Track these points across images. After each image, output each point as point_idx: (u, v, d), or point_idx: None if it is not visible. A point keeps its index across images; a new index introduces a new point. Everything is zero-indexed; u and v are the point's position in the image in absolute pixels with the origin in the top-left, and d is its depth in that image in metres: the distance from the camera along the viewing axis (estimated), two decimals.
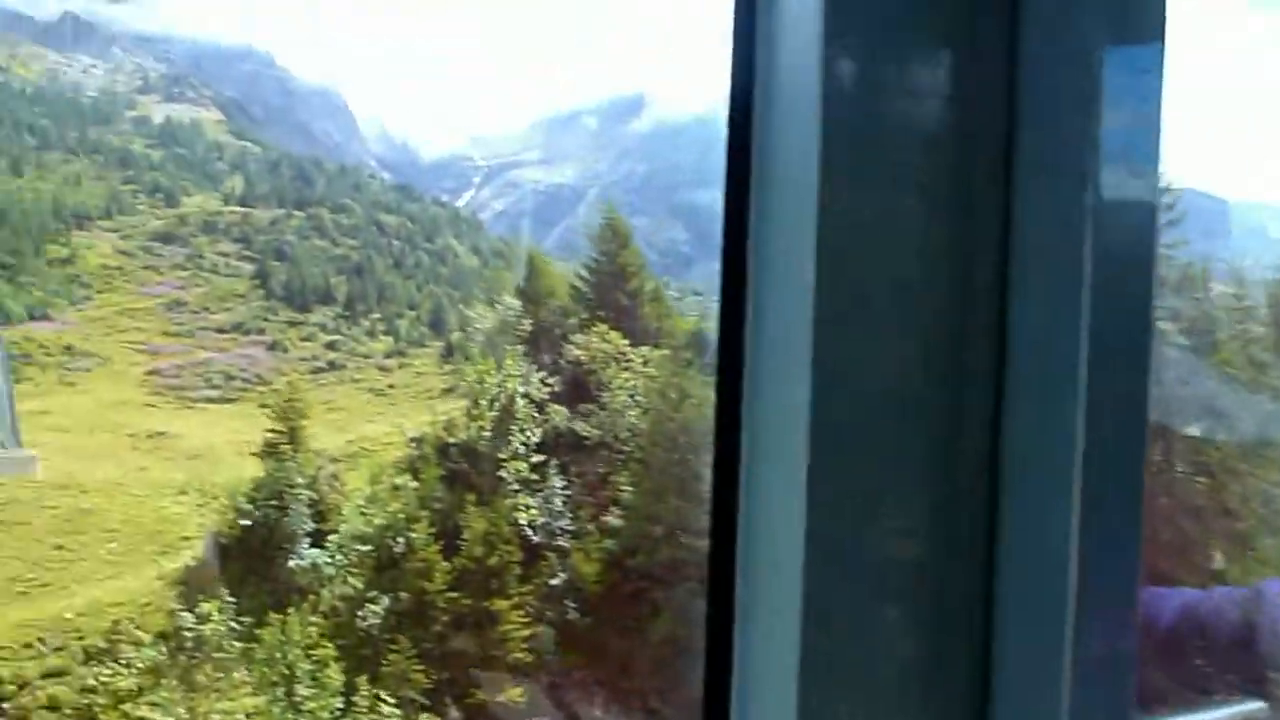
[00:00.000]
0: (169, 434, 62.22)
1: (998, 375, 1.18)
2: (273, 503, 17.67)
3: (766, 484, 1.23)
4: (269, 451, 19.67)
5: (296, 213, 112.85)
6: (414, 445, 21.87)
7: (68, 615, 17.01)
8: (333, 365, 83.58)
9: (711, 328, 25.62)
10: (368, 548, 16.85)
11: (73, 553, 19.20)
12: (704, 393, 19.30)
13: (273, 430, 20.71)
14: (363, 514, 17.51)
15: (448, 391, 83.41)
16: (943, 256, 1.16)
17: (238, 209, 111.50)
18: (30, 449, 55.21)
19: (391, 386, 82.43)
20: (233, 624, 15.90)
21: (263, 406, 76.75)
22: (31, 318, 79.50)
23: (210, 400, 73.33)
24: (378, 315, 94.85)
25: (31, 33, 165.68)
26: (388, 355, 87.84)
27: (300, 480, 18.04)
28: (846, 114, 1.11)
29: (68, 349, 75.44)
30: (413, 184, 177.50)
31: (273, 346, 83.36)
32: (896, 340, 1.17)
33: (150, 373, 74.52)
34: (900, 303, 1.17)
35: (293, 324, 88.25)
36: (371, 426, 33.70)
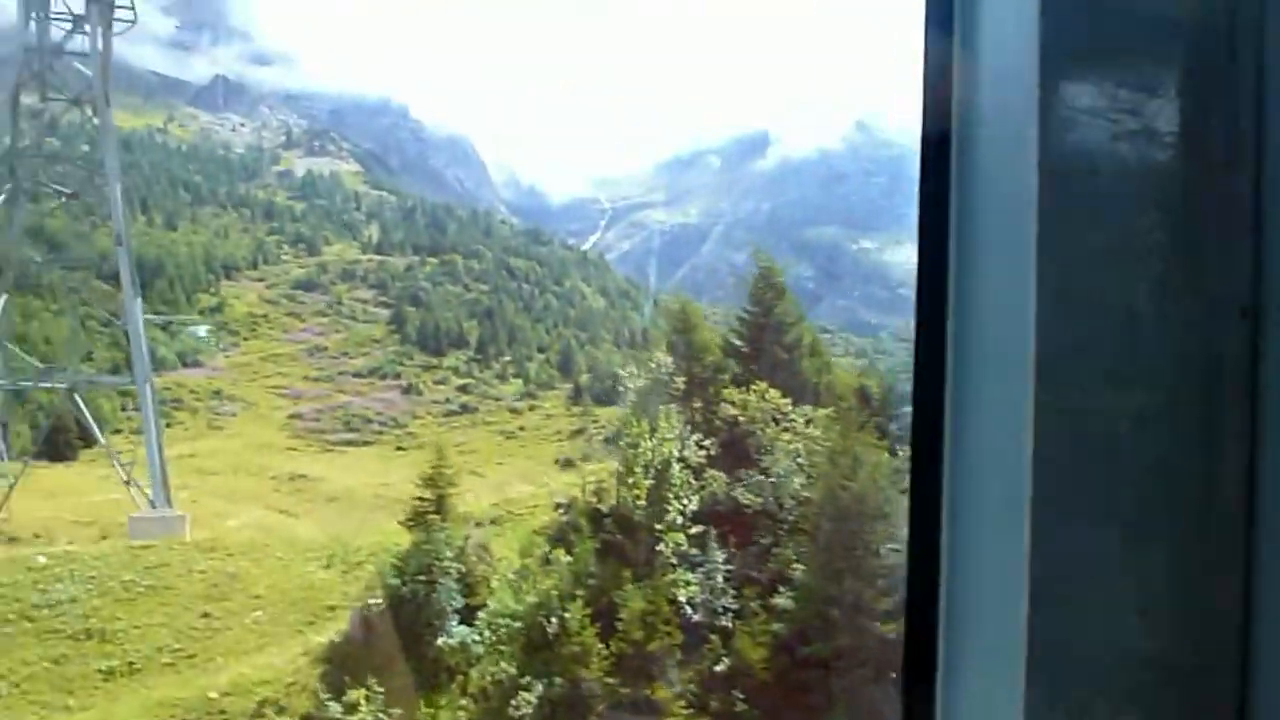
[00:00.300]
0: (309, 477, 63.35)
1: (1250, 420, 1.04)
2: (421, 577, 16.77)
3: (976, 553, 1.09)
4: (416, 520, 18.83)
5: (430, 259, 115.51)
6: (563, 511, 20.73)
7: (212, 694, 16.47)
8: (465, 408, 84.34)
9: (873, 383, 23.91)
10: (519, 625, 15.72)
11: (219, 621, 18.77)
12: (878, 458, 17.54)
13: (420, 497, 19.92)
14: (513, 589, 16.43)
15: (577, 434, 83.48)
16: (1180, 294, 1.04)
17: (374, 257, 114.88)
18: (180, 491, 56.99)
19: (522, 429, 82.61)
20: (380, 716, 14.95)
21: (398, 449, 78.63)
22: (184, 364, 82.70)
23: (348, 443, 74.74)
24: (508, 358, 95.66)
25: (187, 96, 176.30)
26: (518, 397, 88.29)
27: (449, 553, 17.10)
28: (1066, 152, 1.03)
29: (216, 394, 78.21)
30: (541, 228, 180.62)
31: (408, 390, 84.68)
32: (1130, 387, 1.05)
33: (292, 416, 76.51)
34: (1129, 344, 1.05)
35: (427, 368, 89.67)
36: (517, 488, 32.91)
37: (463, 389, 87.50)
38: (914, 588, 1.16)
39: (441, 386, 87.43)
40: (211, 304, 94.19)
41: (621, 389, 23.11)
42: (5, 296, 33.75)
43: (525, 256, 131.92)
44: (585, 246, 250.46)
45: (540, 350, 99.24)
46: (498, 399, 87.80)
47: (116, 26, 26.75)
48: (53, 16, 25.27)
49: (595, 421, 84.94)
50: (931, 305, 1.15)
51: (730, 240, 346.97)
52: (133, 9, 24.82)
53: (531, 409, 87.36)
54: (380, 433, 77.36)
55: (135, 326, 31.33)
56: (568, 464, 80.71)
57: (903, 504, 17.19)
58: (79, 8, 26.31)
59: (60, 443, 62.57)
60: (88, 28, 25.46)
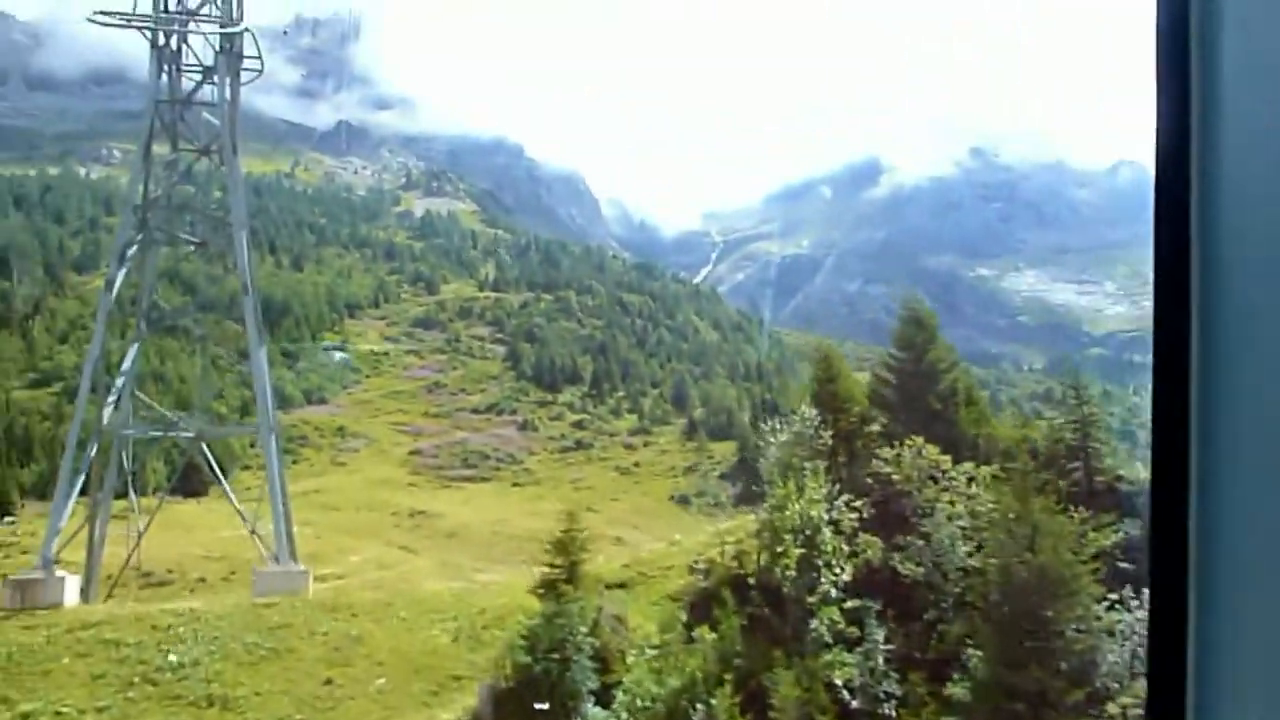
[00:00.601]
0: (428, 513, 63.43)
1: None
2: (553, 655, 15.47)
3: (1232, 644, 0.88)
4: (547, 590, 17.57)
5: (545, 295, 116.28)
6: (701, 576, 19.18)
7: None
8: (580, 444, 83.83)
9: (1037, 435, 21.74)
10: (660, 709, 14.28)
11: (341, 689, 17.92)
12: (1058, 524, 15.54)
13: (551, 564, 18.66)
14: (652, 669, 15.00)
15: (691, 470, 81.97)
16: None
17: (491, 294, 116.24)
18: (303, 528, 57.52)
19: (637, 465, 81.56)
20: None
21: (515, 485, 78.48)
22: (309, 402, 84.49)
23: (466, 479, 74.91)
24: (622, 393, 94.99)
25: (311, 141, 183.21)
26: (632, 433, 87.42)
27: (583, 627, 15.75)
28: None
29: (339, 431, 79.56)
30: (653, 262, 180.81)
31: (524, 426, 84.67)
32: None
33: (412, 453, 77.23)
34: None
35: (542, 404, 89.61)
36: (649, 548, 31.51)
37: (578, 425, 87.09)
38: (1156, 672, 1.00)
39: (557, 422, 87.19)
40: (335, 342, 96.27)
41: (762, 444, 21.36)
42: (136, 345, 34.08)
43: (638, 291, 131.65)
44: (697, 280, 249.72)
45: (654, 385, 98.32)
46: (612, 434, 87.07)
47: (244, 76, 26.70)
48: (184, 68, 25.64)
49: (710, 457, 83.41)
50: (1172, 361, 1.01)
51: (844, 270, 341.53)
52: (260, 59, 24.56)
53: (646, 444, 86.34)
54: (497, 469, 77.33)
55: (261, 380, 31.22)
56: (683, 501, 79.58)
57: (1087, 577, 15.21)
58: (208, 59, 26.82)
59: (194, 478, 64.13)
60: (216, 79, 25.77)
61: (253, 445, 73.52)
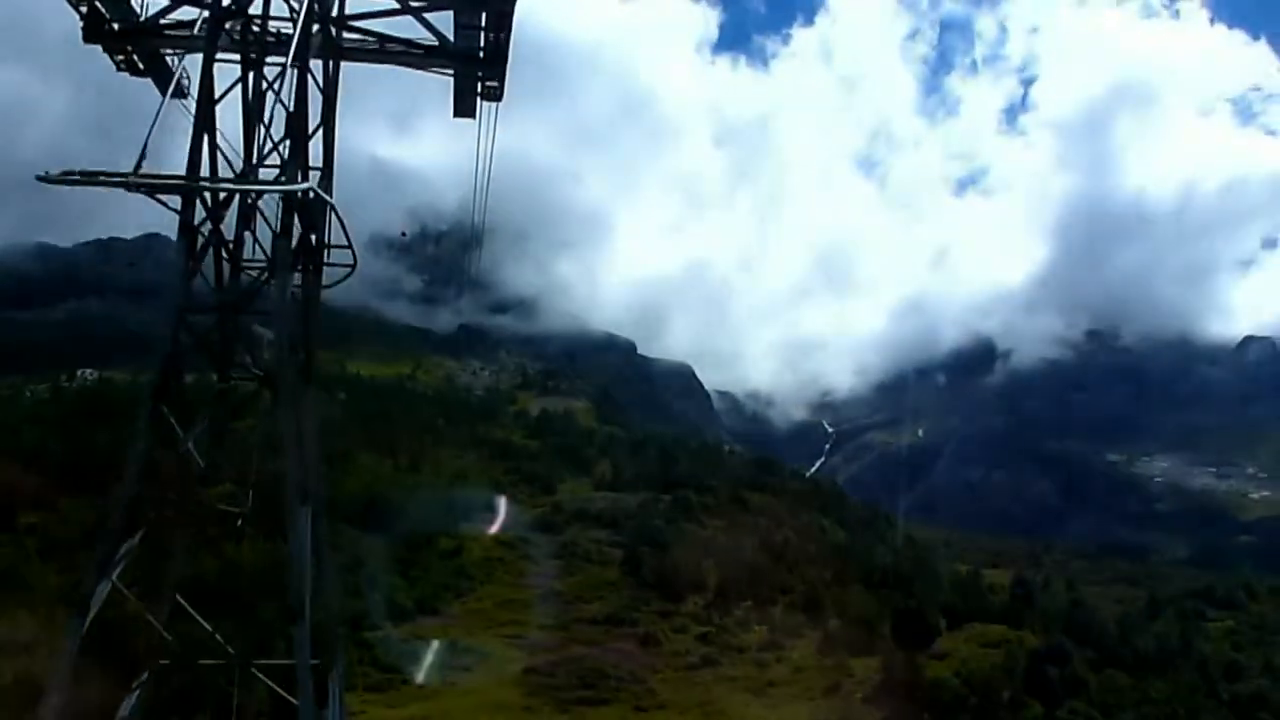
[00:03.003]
0: None
1: None
2: None
3: None
4: None
5: (663, 495, 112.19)
6: None
7: None
8: (707, 660, 77.32)
9: None
10: None
11: None
12: None
13: None
14: None
15: (830, 692, 74.09)
16: None
17: (608, 494, 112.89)
18: None
19: (771, 684, 74.32)
20: None
21: (638, 709, 71.89)
22: (421, 612, 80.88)
23: (585, 700, 68.90)
24: (749, 602, 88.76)
25: (433, 344, 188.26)
26: (762, 647, 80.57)
27: None
28: None
29: (452, 644, 75.23)
30: (770, 456, 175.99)
31: (645, 641, 78.82)
32: None
33: (527, 670, 72.08)
34: None
35: (665, 614, 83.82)
36: None
37: (703, 638, 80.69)
38: None
39: (681, 635, 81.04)
40: (450, 547, 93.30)
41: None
42: None
43: (757, 488, 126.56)
44: (810, 472, 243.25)
45: (783, 592, 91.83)
46: (740, 649, 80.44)
47: (332, 274, 19.23)
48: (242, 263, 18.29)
49: (851, 675, 75.74)
50: None
51: (964, 458, 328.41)
52: (351, 250, 18.60)
53: (778, 659, 79.22)
54: (618, 689, 71.13)
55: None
56: None
57: None
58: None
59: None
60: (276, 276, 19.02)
61: (361, 661, 69.73)
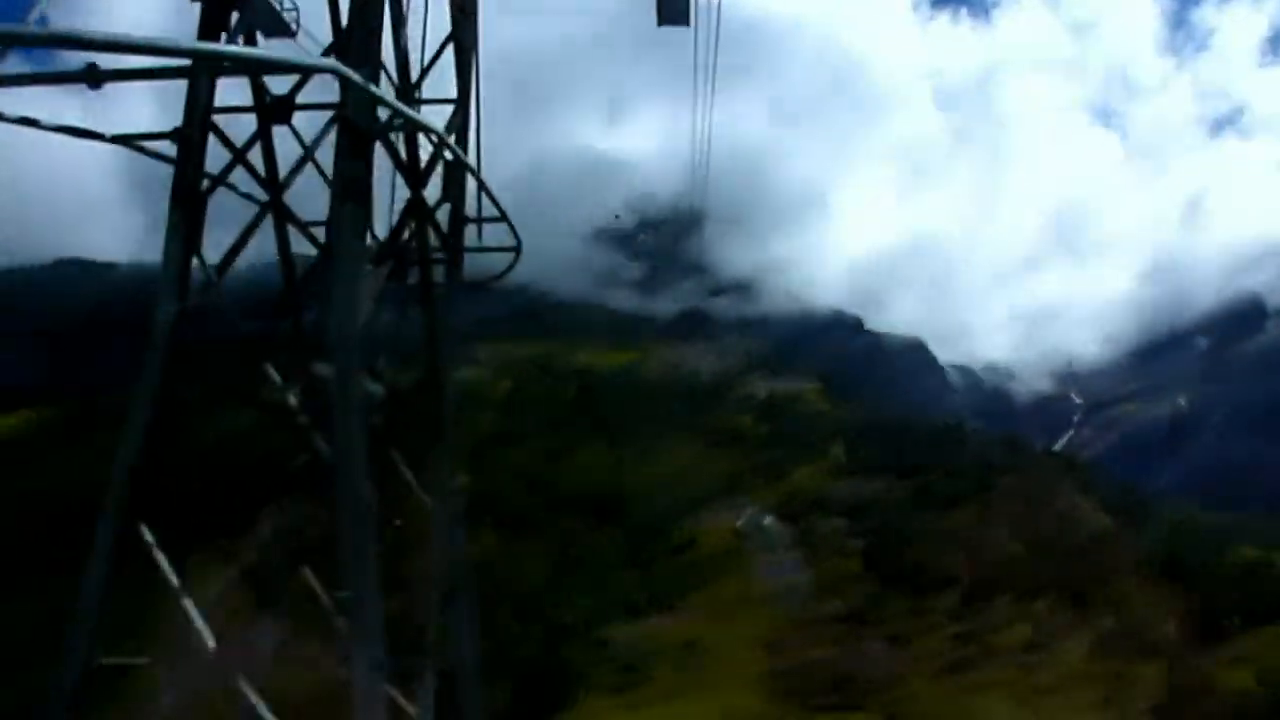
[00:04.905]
0: None
1: None
2: None
3: None
4: None
5: (904, 481, 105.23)
6: None
7: None
8: (964, 663, 70.88)
9: None
10: None
11: None
12: None
13: None
14: None
15: (1109, 701, 65.79)
16: None
17: (844, 481, 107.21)
18: None
19: (1037, 690, 66.99)
20: None
21: (890, 718, 66.66)
22: (655, 608, 78.96)
23: (833, 707, 64.42)
24: (1007, 596, 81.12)
25: (657, 331, 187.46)
26: (1027, 649, 73.06)
27: None
28: None
29: (689, 644, 72.69)
30: (1013, 433, 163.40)
31: (894, 640, 73.32)
32: None
33: (769, 673, 68.51)
34: None
35: (913, 611, 77.93)
36: None
37: (958, 638, 74.15)
38: None
39: (933, 635, 74.84)
40: (683, 540, 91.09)
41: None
42: None
43: (1005, 469, 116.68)
44: (1056, 447, 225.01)
45: (1045, 586, 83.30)
46: (1000, 651, 73.25)
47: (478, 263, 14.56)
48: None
49: (1130, 683, 67.04)
50: None
51: (1234, 430, 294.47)
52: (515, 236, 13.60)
53: (1045, 663, 71.52)
54: (867, 694, 66.17)
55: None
56: None
57: None
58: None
59: (534, 707, 59.35)
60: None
61: (597, 661, 68.46)
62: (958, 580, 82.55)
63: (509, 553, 77.89)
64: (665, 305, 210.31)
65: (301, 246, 12.44)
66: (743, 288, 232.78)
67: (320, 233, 12.07)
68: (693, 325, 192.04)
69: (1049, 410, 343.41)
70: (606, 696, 64.06)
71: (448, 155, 13.11)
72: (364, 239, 11.46)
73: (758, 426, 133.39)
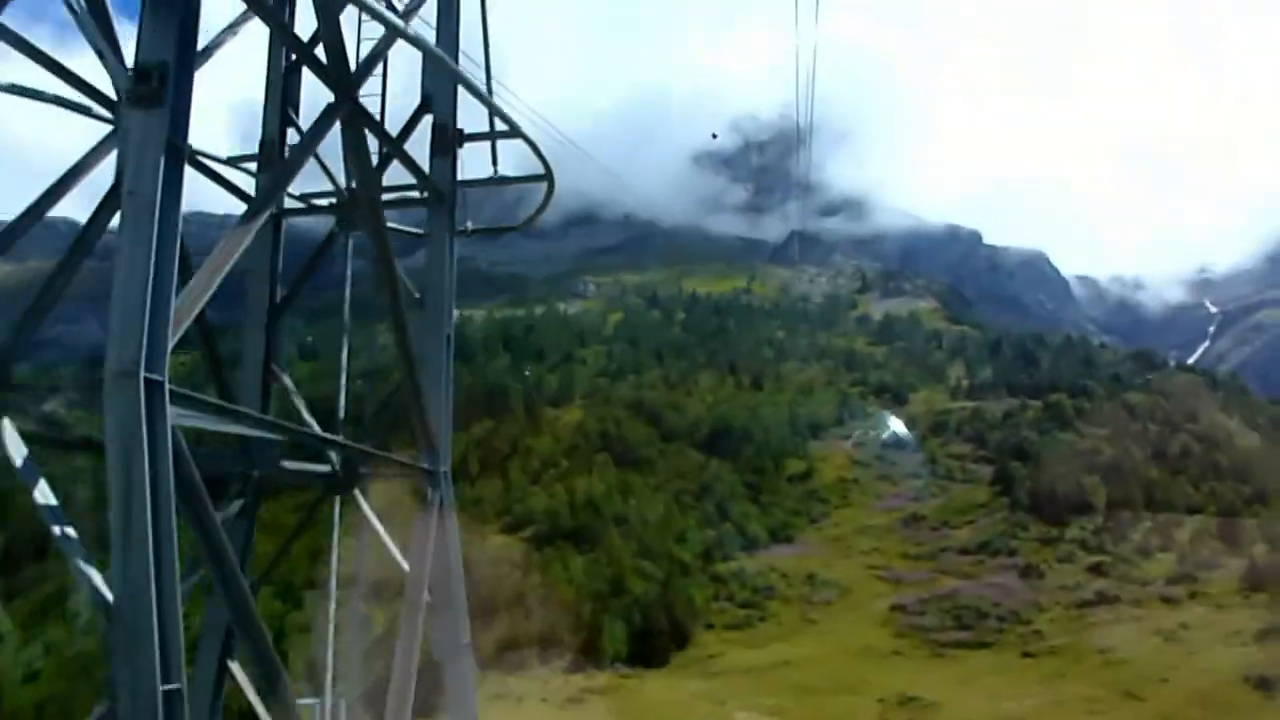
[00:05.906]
0: (922, 700, 51.67)
1: None
2: None
3: None
4: None
5: (1031, 401, 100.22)
6: None
7: None
8: (1102, 597, 67.23)
9: None
10: None
11: None
12: None
13: None
14: None
15: (1266, 634, 61.42)
16: None
17: (966, 403, 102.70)
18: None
19: (1184, 626, 62.83)
20: None
21: (1024, 655, 63.81)
22: (774, 540, 77.17)
23: (960, 644, 61.93)
24: (1149, 524, 76.69)
25: (766, 254, 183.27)
26: (1170, 580, 68.83)
27: None
28: None
29: (809, 578, 70.82)
30: (1148, 348, 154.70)
31: (1026, 572, 69.92)
32: None
33: (894, 608, 66.25)
34: None
35: (1046, 541, 74.11)
36: None
37: (1095, 569, 70.35)
38: None
39: (1067, 565, 71.12)
40: (800, 469, 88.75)
41: None
42: None
43: (1139, 386, 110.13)
44: (1191, 360, 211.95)
45: (1190, 512, 78.41)
46: (1143, 583, 69.18)
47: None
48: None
49: None
50: None
51: None
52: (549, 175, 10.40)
53: (1192, 596, 67.12)
54: (999, 629, 63.30)
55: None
56: (1263, 685, 59.18)
57: None
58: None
59: (653, 645, 58.54)
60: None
61: (716, 598, 67.25)
62: (1092, 507, 78.21)
63: (626, 488, 77.06)
64: (774, 227, 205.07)
65: None
66: (853, 205, 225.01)
67: None
68: (803, 247, 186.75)
69: (1181, 320, 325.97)
70: (726, 632, 62.89)
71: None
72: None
73: (873, 349, 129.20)
